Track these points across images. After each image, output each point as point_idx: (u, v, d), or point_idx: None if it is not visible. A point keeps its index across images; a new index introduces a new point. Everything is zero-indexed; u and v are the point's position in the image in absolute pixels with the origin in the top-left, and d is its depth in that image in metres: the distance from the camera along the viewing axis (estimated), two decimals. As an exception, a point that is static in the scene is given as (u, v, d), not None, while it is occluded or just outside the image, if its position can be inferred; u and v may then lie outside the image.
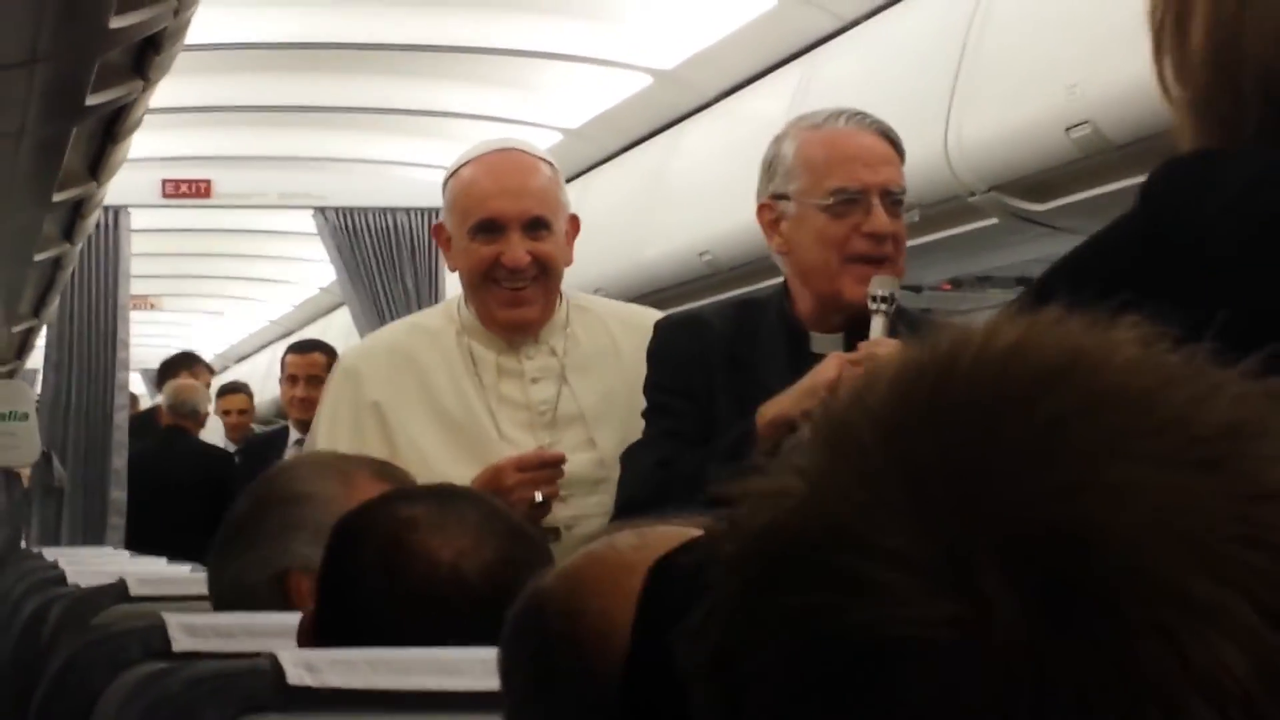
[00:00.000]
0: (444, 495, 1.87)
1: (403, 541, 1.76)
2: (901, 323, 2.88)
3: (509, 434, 3.16)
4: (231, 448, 10.43)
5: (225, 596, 2.27)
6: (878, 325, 2.83)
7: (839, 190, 2.89)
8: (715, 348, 2.98)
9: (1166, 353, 0.71)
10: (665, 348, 3.05)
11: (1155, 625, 0.65)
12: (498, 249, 3.14)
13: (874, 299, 2.85)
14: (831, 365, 2.77)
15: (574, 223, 3.23)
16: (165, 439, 9.48)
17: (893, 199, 2.92)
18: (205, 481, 8.82)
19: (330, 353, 7.59)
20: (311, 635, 1.81)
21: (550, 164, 3.24)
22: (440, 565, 1.74)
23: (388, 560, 1.76)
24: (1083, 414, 0.68)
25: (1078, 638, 0.65)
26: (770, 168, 3.00)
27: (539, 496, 3.01)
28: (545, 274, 3.17)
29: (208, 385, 10.07)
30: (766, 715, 0.69)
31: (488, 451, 3.11)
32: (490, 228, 3.15)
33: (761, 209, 3.00)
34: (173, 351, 10.86)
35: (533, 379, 3.21)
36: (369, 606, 1.77)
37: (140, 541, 8.24)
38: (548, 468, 3.04)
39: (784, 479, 0.71)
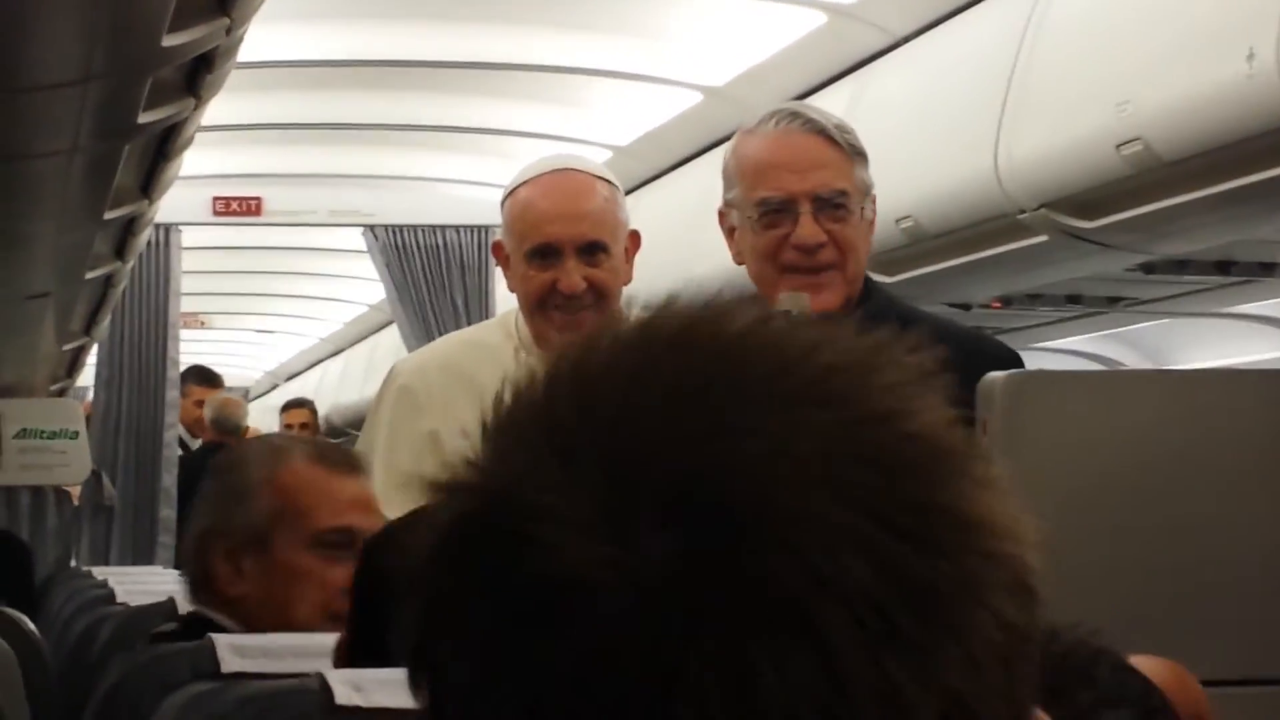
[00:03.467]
0: None
1: None
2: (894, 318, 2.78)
3: None
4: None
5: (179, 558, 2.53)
6: None
7: (764, 201, 2.77)
8: None
9: (778, 322, 0.79)
10: None
11: (783, 544, 0.71)
12: (554, 275, 3.11)
13: None
14: None
15: (635, 239, 3.19)
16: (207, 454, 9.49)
17: (829, 203, 2.75)
18: None
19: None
20: (346, 655, 1.80)
21: (609, 181, 3.19)
22: None
23: None
24: (706, 371, 0.76)
25: (717, 565, 0.71)
26: (723, 174, 2.89)
27: None
28: (601, 299, 3.14)
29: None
30: (462, 689, 0.75)
31: None
32: (546, 252, 3.12)
33: (720, 217, 2.90)
34: (222, 369, 10.89)
35: None
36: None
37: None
38: None
39: (465, 471, 0.78)
